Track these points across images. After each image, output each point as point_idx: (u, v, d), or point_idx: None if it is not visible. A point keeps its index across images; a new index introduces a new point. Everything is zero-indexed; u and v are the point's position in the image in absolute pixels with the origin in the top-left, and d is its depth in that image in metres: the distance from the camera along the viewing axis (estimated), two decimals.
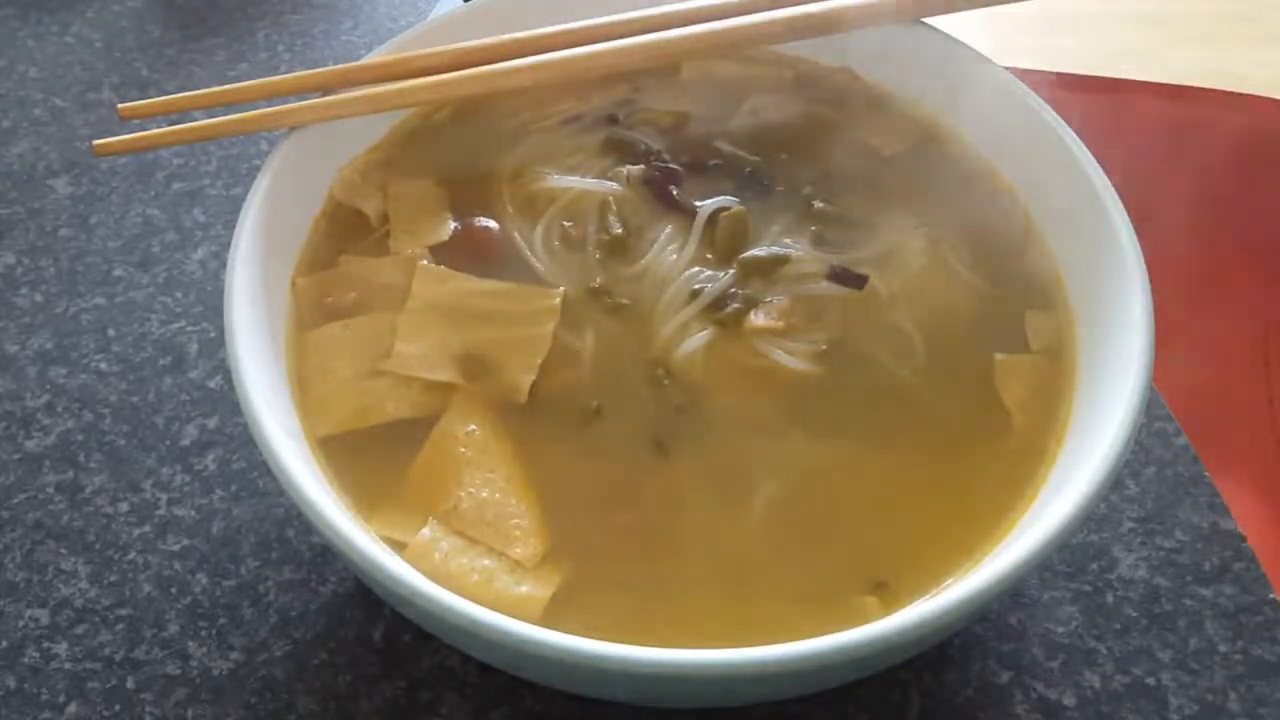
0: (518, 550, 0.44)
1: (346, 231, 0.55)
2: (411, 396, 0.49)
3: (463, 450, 0.47)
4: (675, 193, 0.55)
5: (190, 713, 0.49)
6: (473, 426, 0.47)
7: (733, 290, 0.51)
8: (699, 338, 0.50)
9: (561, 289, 0.51)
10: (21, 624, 0.52)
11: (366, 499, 0.46)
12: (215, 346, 0.62)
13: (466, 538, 0.44)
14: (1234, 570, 0.52)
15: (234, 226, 0.49)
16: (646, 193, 0.55)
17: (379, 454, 0.47)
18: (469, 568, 0.44)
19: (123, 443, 0.58)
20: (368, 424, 0.48)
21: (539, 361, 0.49)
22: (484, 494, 0.46)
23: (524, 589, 0.43)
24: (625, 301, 0.51)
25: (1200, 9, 0.74)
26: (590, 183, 0.56)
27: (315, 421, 0.48)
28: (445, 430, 0.47)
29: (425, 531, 0.44)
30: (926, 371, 0.49)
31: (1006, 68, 0.57)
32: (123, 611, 0.52)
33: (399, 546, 0.44)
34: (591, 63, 0.56)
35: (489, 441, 0.47)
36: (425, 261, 0.52)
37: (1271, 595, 0.52)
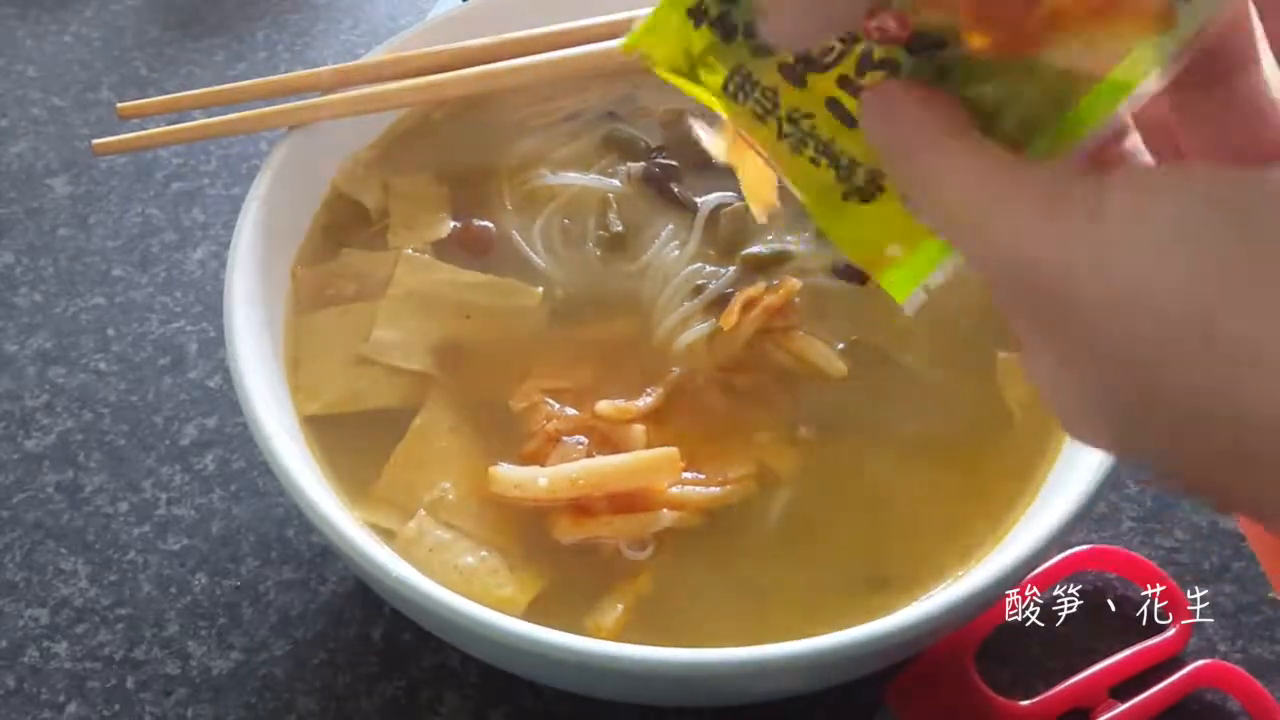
0: (503, 545, 0.44)
1: (346, 230, 0.55)
2: (399, 384, 0.49)
3: (444, 445, 0.47)
4: (676, 189, 0.55)
5: (190, 712, 0.49)
6: (453, 418, 0.47)
7: (731, 290, 0.51)
8: (697, 329, 0.50)
9: (540, 289, 0.52)
10: (21, 623, 0.52)
11: (354, 485, 0.46)
12: (215, 346, 0.62)
13: (454, 529, 0.45)
14: (1233, 569, 0.52)
15: (234, 226, 0.49)
16: (647, 189, 0.55)
17: (367, 440, 0.47)
18: (456, 559, 0.44)
19: (122, 442, 0.58)
20: (357, 409, 0.48)
21: (513, 356, 0.49)
22: (466, 486, 0.46)
23: (508, 589, 0.43)
24: (625, 299, 0.51)
25: None
26: (590, 180, 0.56)
27: (307, 406, 0.48)
28: (426, 421, 0.47)
29: (413, 523, 0.45)
30: (929, 369, 0.49)
31: None
32: (122, 611, 0.52)
33: (388, 535, 0.44)
34: (591, 62, 0.56)
35: (470, 434, 0.47)
36: (410, 250, 0.52)
37: (1271, 594, 0.52)
